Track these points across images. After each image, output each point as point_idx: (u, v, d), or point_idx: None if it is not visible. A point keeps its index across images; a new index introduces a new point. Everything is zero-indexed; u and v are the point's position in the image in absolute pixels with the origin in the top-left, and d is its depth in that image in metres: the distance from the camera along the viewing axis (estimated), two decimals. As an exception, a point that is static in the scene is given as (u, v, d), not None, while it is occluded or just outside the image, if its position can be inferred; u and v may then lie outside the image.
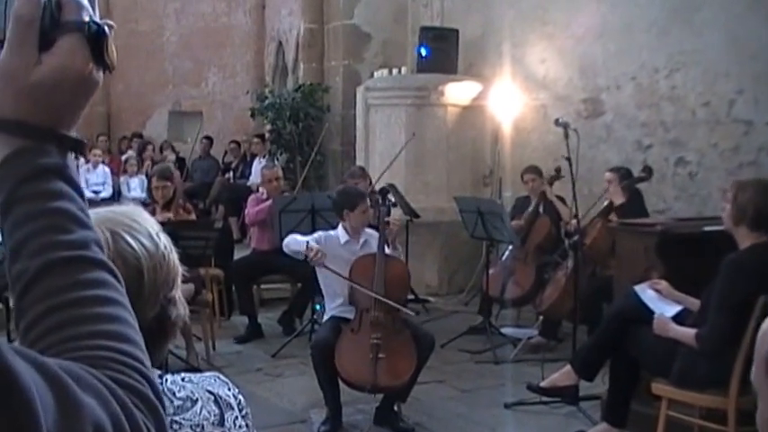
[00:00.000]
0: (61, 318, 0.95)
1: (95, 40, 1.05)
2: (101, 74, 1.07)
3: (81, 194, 1.05)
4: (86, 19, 1.05)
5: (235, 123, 16.64)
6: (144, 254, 1.68)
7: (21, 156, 1.02)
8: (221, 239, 8.27)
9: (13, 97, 1.02)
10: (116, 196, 13.53)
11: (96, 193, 13.56)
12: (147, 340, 1.01)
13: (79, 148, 1.08)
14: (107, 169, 14.07)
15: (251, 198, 9.23)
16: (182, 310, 1.79)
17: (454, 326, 8.51)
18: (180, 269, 1.79)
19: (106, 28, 1.07)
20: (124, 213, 1.75)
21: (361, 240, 6.34)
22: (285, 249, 6.41)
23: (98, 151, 14.24)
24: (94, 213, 1.17)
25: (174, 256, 1.77)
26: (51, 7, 1.04)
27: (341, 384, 5.87)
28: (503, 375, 7.20)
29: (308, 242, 6.12)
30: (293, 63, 14.60)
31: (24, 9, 1.03)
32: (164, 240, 1.76)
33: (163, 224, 1.87)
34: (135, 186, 13.85)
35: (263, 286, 9.32)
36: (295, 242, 6.28)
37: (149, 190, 8.45)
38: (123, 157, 14.72)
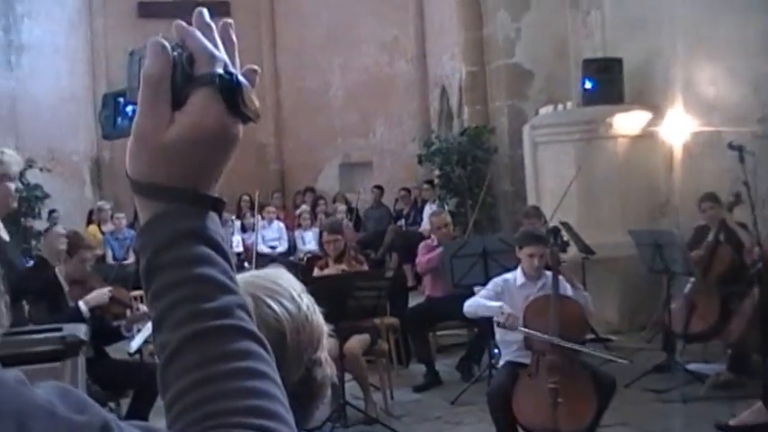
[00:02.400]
0: (206, 393, 0.92)
1: (230, 91, 1.00)
2: (239, 126, 1.02)
3: (224, 255, 1.01)
4: (219, 71, 1.00)
5: (404, 171, 16.77)
6: (286, 316, 1.67)
7: (159, 221, 0.99)
8: (395, 287, 8.28)
9: (149, 159, 0.99)
10: (292, 250, 14.04)
11: (272, 248, 14.02)
12: (292, 404, 0.97)
13: (219, 207, 1.03)
14: (282, 224, 14.42)
15: (422, 245, 9.19)
16: (328, 370, 1.76)
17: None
18: (325, 329, 1.76)
19: (241, 78, 1.01)
20: (266, 276, 1.74)
21: (539, 283, 6.16)
22: (468, 315, 6.32)
23: (272, 208, 14.67)
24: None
25: (317, 317, 1.75)
26: (183, 63, 1.00)
27: (520, 431, 5.70)
28: (690, 415, 6.83)
29: (501, 307, 5.98)
30: (457, 107, 14.57)
31: (154, 68, 0.99)
32: (306, 301, 1.74)
33: (336, 277, 1.86)
34: (309, 239, 14.09)
35: (439, 333, 9.22)
36: (484, 308, 6.17)
37: (321, 244, 8.48)
38: (297, 212, 15.01)
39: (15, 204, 4.84)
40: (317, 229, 13.34)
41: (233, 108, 1.00)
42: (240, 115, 1.01)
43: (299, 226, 14.46)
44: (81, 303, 6.15)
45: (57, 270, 6.00)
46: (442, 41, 15.22)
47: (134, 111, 1.01)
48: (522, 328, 5.86)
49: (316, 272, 7.85)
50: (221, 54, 1.02)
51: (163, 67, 0.99)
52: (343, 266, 7.67)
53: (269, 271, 1.79)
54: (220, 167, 1.03)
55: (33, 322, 5.59)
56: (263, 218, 14.05)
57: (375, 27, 17.13)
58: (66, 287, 6.35)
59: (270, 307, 1.66)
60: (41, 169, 13.25)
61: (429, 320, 8.73)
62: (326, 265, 7.84)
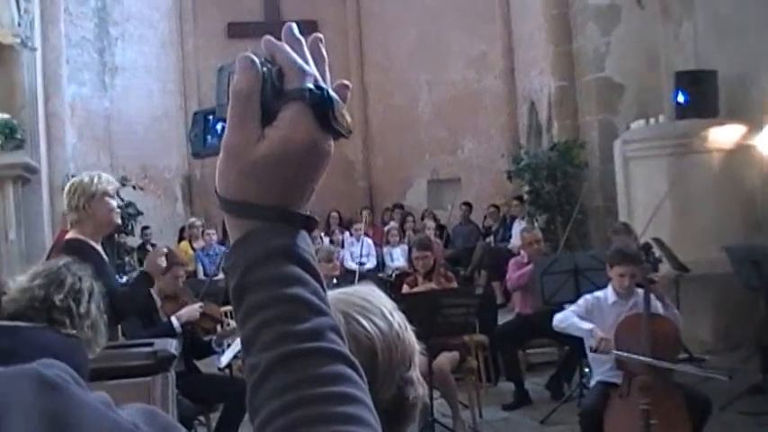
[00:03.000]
0: (296, 417, 0.90)
1: (320, 106, 0.98)
2: (330, 142, 1.00)
3: (315, 275, 0.99)
4: (309, 85, 0.99)
5: (492, 187, 16.58)
6: (377, 334, 1.64)
7: (249, 240, 0.98)
8: (485, 304, 8.17)
9: (238, 177, 0.98)
10: (380, 267, 13.92)
11: (361, 264, 13.65)
12: (383, 424, 0.94)
13: (310, 225, 1.02)
14: (370, 241, 14.32)
15: (512, 262, 9.09)
16: (420, 390, 1.71)
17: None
18: (417, 347, 1.73)
19: (331, 92, 1.00)
20: (356, 293, 1.72)
21: (631, 301, 6.03)
22: (557, 329, 6.22)
23: (360, 225, 14.51)
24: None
25: (409, 335, 1.71)
26: (272, 78, 0.99)
27: (612, 453, 5.56)
28: (791, 438, 6.50)
29: (593, 330, 5.87)
30: (547, 122, 14.38)
31: (243, 83, 0.98)
32: (398, 319, 1.71)
33: (425, 294, 1.83)
34: (398, 256, 13.98)
35: (528, 350, 9.10)
36: (575, 328, 6.06)
37: (410, 260, 8.45)
38: (385, 228, 14.95)
39: (119, 220, 4.95)
40: (405, 246, 13.39)
41: (324, 123, 0.99)
42: (331, 130, 0.99)
43: (388, 242, 14.36)
44: (173, 319, 6.24)
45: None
46: (531, 56, 15.08)
47: (224, 128, 1.00)
48: (616, 351, 5.72)
49: (405, 289, 7.84)
50: (311, 69, 1.01)
51: (252, 82, 0.98)
52: (432, 284, 7.61)
53: (359, 288, 1.76)
54: (311, 184, 1.01)
55: (126, 337, 5.71)
56: (351, 234, 14.05)
57: (463, 42, 17.01)
58: (159, 302, 6.45)
59: (361, 324, 1.63)
60: (135, 187, 13.40)
61: (518, 338, 8.62)
62: (415, 283, 7.80)
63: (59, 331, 2.66)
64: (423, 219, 15.59)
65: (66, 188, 4.87)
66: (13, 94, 11.21)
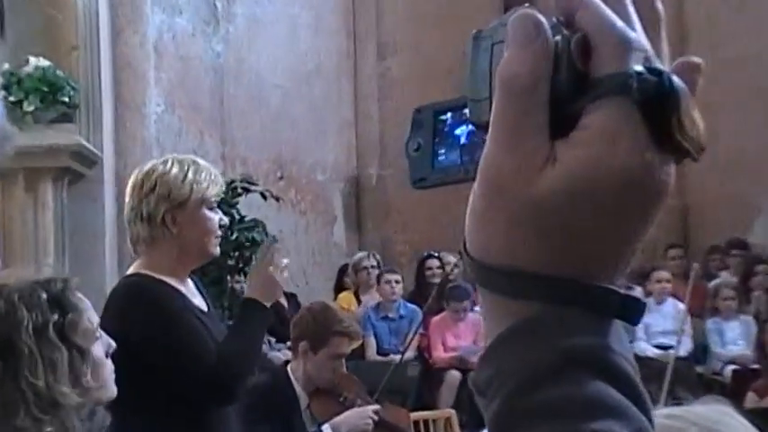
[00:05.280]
0: None
1: (657, 105, 0.66)
2: (671, 169, 0.69)
3: (638, 398, 0.69)
4: (637, 68, 0.66)
5: None
6: None
7: (525, 336, 0.70)
8: None
9: (508, 227, 0.70)
10: (699, 355, 9.98)
11: (663, 349, 9.73)
12: None
13: (630, 311, 0.70)
14: (680, 305, 9.85)
15: None
16: None
17: None
18: None
19: (676, 80, 0.67)
20: (698, 420, 1.30)
21: None
22: None
23: (666, 274, 10.27)
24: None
25: None
26: (570, 55, 0.67)
27: None
28: None
29: None
30: None
31: (520, 65, 0.68)
32: None
33: None
34: (735, 336, 9.89)
35: None
36: None
37: (761, 347, 8.04)
38: (710, 285, 10.40)
39: (217, 250, 3.80)
40: (749, 319, 9.85)
41: (662, 134, 0.68)
42: (673, 147, 0.68)
43: (716, 311, 9.97)
44: (327, 428, 5.31)
45: (288, 368, 5.28)
46: None
47: (471, 135, 0.77)
48: None
49: (750, 399, 7.53)
50: (639, 37, 0.69)
51: (537, 62, 0.69)
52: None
53: (700, 410, 1.34)
54: (634, 242, 0.71)
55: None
56: (646, 292, 9.86)
57: None
58: (304, 398, 5.31)
59: None
60: (264, 195, 10.32)
61: None
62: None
63: None
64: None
65: (133, 181, 3.71)
66: (58, 27, 9.01)
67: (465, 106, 0.76)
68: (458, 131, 0.79)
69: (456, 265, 9.39)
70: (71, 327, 2.23)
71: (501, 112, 0.69)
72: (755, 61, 11.74)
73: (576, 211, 0.68)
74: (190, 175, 3.69)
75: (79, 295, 2.37)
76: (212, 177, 3.77)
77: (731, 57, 11.57)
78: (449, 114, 0.80)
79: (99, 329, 2.42)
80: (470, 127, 0.76)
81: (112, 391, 2.43)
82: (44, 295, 2.23)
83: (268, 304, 3.75)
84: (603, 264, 0.70)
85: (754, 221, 11.95)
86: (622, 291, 0.71)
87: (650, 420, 0.70)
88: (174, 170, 3.68)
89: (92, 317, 2.39)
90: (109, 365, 2.46)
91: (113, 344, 2.50)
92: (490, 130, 0.70)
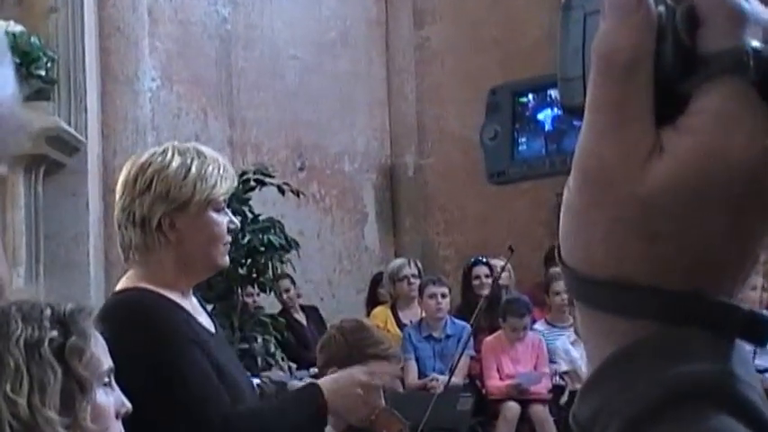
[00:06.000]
0: None
1: None
2: None
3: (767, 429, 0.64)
4: (754, 44, 0.61)
5: None
6: None
7: (634, 361, 0.64)
8: None
9: (611, 230, 0.64)
10: None
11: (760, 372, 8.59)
12: None
13: (760, 330, 0.64)
14: None
15: None
16: None
17: None
18: None
19: None
20: None
21: None
22: None
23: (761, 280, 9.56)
24: None
25: None
26: (676, 29, 0.63)
27: None
28: None
29: None
30: None
31: (622, 39, 0.64)
32: None
33: None
34: None
35: None
36: None
37: None
38: None
39: (226, 260, 3.53)
40: None
41: None
42: None
43: None
44: None
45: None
46: None
47: (556, 121, 0.73)
48: None
49: None
50: (755, 8, 0.65)
51: (639, 36, 0.64)
52: None
53: None
54: (756, 245, 0.66)
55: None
56: None
57: None
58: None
59: None
60: (281, 189, 9.45)
61: None
62: None
63: None
64: None
65: (124, 176, 3.42)
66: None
67: (547, 86, 0.73)
68: (540, 116, 0.74)
69: (503, 269, 8.31)
70: (72, 351, 2.22)
71: (598, 93, 0.65)
72: None
73: (688, 210, 0.64)
74: (193, 169, 3.44)
75: (93, 328, 2.34)
76: (221, 172, 3.47)
77: None
78: (530, 96, 0.76)
79: (113, 380, 2.34)
80: (555, 111, 0.72)
81: None
82: (48, 312, 2.27)
83: (330, 415, 3.50)
84: (722, 274, 0.64)
85: None
86: (745, 306, 0.64)
87: None
88: (175, 163, 3.44)
89: (102, 356, 2.34)
90: (118, 428, 2.40)
91: (129, 406, 2.39)
92: (586, 114, 0.65)
